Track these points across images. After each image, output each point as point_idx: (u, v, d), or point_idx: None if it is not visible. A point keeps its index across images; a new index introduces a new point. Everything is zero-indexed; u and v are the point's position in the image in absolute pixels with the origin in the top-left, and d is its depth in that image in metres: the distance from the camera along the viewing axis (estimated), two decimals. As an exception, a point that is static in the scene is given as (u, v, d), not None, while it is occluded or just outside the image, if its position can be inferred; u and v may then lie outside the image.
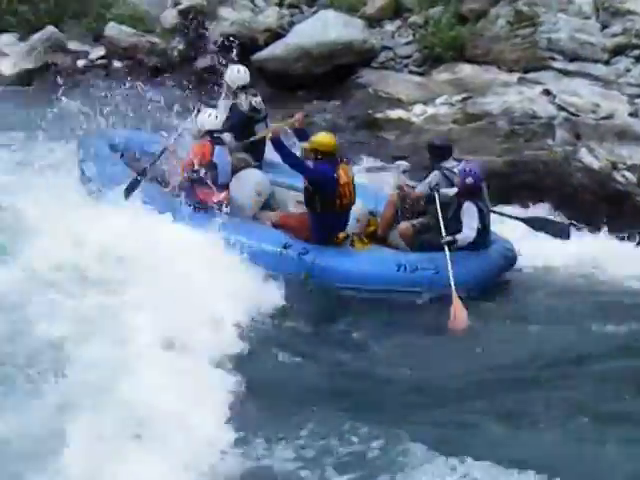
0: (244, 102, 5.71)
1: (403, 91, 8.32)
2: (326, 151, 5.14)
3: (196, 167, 5.14)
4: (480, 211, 5.30)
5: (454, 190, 5.37)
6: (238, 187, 5.38)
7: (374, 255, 5.18)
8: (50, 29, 10.76)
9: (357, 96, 8.62)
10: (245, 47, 9.55)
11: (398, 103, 8.23)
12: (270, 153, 5.36)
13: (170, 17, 10.65)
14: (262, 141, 5.36)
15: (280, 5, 10.09)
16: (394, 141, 7.92)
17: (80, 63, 10.62)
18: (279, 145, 5.03)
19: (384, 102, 8.35)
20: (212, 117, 5.33)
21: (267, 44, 9.43)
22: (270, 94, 9.22)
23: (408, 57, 8.68)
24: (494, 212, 5.62)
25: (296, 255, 4.83)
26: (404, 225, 5.54)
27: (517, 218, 5.82)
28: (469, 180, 5.28)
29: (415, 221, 5.53)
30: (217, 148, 5.31)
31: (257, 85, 9.14)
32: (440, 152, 5.56)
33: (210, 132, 5.32)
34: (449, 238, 5.16)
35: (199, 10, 9.97)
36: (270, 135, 4.94)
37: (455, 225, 5.26)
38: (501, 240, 5.53)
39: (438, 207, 5.26)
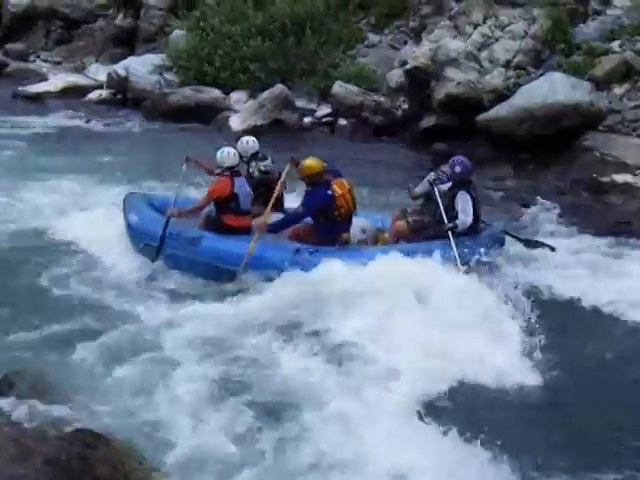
0: (255, 169, 8.12)
1: (630, 155, 10.07)
2: (314, 173, 7.27)
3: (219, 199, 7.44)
4: (472, 198, 7.24)
5: (449, 184, 7.26)
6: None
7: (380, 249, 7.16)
8: (279, 87, 14.11)
9: (582, 159, 10.52)
10: (470, 107, 12.56)
11: (625, 167, 10.02)
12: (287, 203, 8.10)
13: (396, 76, 13.86)
14: (279, 198, 7.70)
15: (506, 66, 12.46)
16: (619, 206, 9.58)
17: (306, 120, 13.99)
18: (274, 229, 7.29)
19: (610, 166, 10.15)
20: (230, 154, 7.64)
21: (492, 105, 11.81)
22: (492, 155, 11.79)
23: (636, 121, 10.58)
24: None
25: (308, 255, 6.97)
26: (399, 223, 7.44)
27: (515, 237, 7.91)
28: (457, 169, 7.23)
29: (409, 218, 7.42)
30: (236, 180, 7.57)
31: (480, 145, 12.01)
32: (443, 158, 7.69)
33: (229, 168, 7.58)
34: (451, 225, 7.03)
35: (425, 70, 13.10)
36: (260, 232, 7.09)
37: (450, 215, 7.10)
38: (492, 226, 7.68)
39: (438, 198, 7.17)
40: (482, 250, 7.06)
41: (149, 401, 5.27)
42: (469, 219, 7.26)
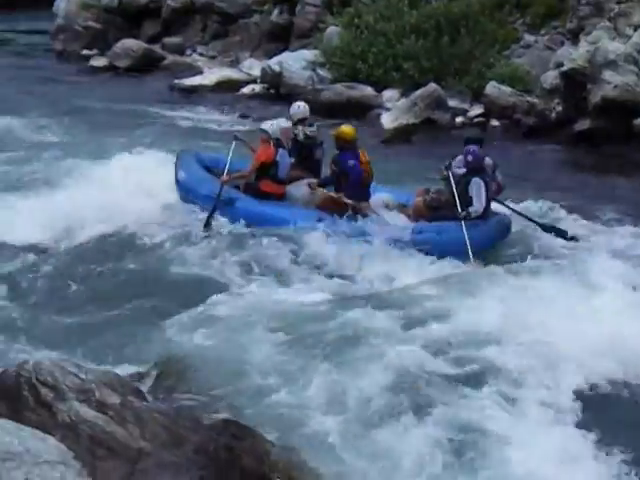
0: (301, 132, 9.84)
1: None
2: (347, 139, 9.33)
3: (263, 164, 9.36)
4: (486, 185, 8.80)
5: (463, 170, 8.88)
6: (295, 188, 9.72)
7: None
8: (432, 86, 15.70)
9: None
10: (627, 111, 13.58)
11: None
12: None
13: (551, 78, 15.04)
14: (318, 163, 9.75)
15: (667, 70, 13.79)
16: None
17: (458, 120, 15.59)
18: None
19: None
20: (301, 107, 9.98)
21: (650, 110, 13.26)
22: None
23: None
24: (513, 210, 9.34)
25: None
26: (418, 200, 9.10)
27: (530, 219, 9.33)
28: (469, 157, 8.87)
29: (427, 196, 9.01)
30: (280, 150, 9.46)
31: (636, 150, 13.00)
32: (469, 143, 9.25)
33: (275, 138, 9.49)
34: (464, 213, 8.64)
35: (581, 72, 14.18)
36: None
37: (465, 199, 8.70)
38: (500, 214, 9.16)
39: (453, 183, 8.77)
40: (488, 238, 8.91)
41: (289, 390, 6.05)
42: (482, 208, 8.89)
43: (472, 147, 9.08)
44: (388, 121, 15.97)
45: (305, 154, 9.91)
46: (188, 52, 21.59)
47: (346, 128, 9.56)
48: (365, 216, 9.12)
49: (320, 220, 9.03)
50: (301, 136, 9.96)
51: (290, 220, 9.07)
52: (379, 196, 9.44)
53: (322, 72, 17.88)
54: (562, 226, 9.62)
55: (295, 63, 18.20)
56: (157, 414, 4.63)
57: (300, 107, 10.21)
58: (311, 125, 10.11)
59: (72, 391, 4.54)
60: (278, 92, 18.12)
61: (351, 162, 9.28)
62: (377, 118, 16.11)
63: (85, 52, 22.16)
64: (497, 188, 9.40)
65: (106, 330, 7.40)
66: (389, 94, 17.00)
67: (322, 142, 9.95)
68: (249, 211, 9.33)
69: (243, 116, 16.89)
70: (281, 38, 20.29)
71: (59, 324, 7.60)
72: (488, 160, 9.28)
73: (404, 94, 16.61)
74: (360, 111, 16.27)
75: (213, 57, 21.23)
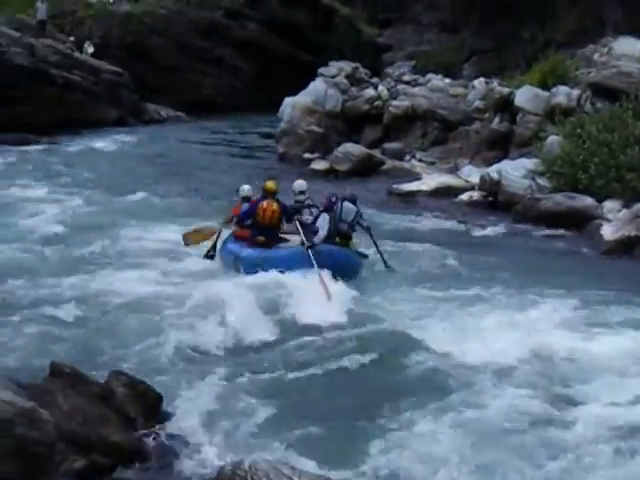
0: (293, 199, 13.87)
1: None
2: (266, 190, 13.22)
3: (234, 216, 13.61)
4: (332, 219, 12.72)
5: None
6: None
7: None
8: None
9: None
10: None
11: None
12: None
13: None
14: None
15: None
16: None
17: None
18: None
19: None
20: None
21: None
22: None
23: None
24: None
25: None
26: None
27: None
28: (323, 199, 13.07)
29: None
30: (243, 205, 13.54)
31: None
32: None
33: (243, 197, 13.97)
34: (309, 243, 12.24)
35: None
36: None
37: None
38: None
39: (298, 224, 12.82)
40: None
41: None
42: (324, 234, 12.61)
43: (331, 193, 13.53)
44: (609, 233, 16.52)
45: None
46: (407, 157, 23.39)
47: (268, 182, 13.72)
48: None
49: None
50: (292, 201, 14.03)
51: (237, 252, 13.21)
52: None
53: (541, 181, 18.91)
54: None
55: (514, 171, 19.35)
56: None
57: (299, 183, 14.55)
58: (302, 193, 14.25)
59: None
60: (496, 200, 19.35)
61: (252, 206, 13.30)
62: (597, 229, 16.74)
63: (307, 155, 24.53)
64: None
65: (324, 432, 8.16)
66: (610, 205, 17.71)
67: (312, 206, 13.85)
68: (226, 249, 13.57)
69: (461, 222, 18.13)
70: (500, 146, 21.67)
71: (279, 421, 8.43)
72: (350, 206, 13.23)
73: (626, 206, 17.32)
74: (580, 221, 17.17)
75: (432, 163, 22.90)
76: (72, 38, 35.05)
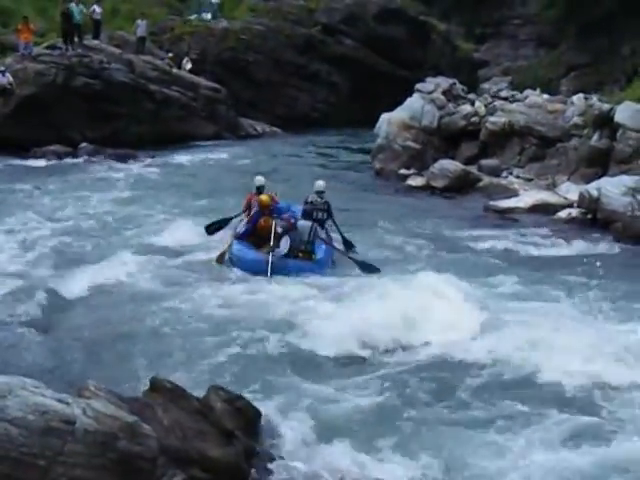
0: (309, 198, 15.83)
1: None
2: (261, 204, 14.95)
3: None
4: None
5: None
6: None
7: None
8: None
9: None
10: None
11: None
12: None
13: None
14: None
15: None
16: None
17: None
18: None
19: None
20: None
21: None
22: None
23: None
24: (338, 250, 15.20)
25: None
26: None
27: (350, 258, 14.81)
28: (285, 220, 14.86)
29: None
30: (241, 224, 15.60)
31: None
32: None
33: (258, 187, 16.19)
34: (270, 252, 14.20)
35: None
36: None
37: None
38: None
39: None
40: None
41: None
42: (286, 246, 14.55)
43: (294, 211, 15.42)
44: None
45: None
46: (504, 174, 23.10)
47: (264, 196, 15.24)
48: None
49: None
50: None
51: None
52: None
53: (642, 199, 18.51)
54: None
55: (614, 189, 18.96)
56: None
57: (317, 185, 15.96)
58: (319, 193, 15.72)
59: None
60: (595, 217, 18.99)
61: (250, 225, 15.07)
62: None
63: (403, 171, 24.44)
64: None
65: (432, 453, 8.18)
66: None
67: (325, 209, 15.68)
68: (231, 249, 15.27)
69: (559, 239, 17.81)
70: (600, 163, 21.22)
71: (376, 439, 8.50)
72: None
73: None
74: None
75: (529, 180, 22.56)
76: (171, 54, 35.68)
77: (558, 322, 11.49)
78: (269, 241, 14.37)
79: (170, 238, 16.21)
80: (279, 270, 13.94)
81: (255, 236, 14.84)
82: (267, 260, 14.01)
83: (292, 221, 14.75)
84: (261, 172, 22.89)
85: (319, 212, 15.73)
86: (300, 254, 14.61)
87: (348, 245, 15.88)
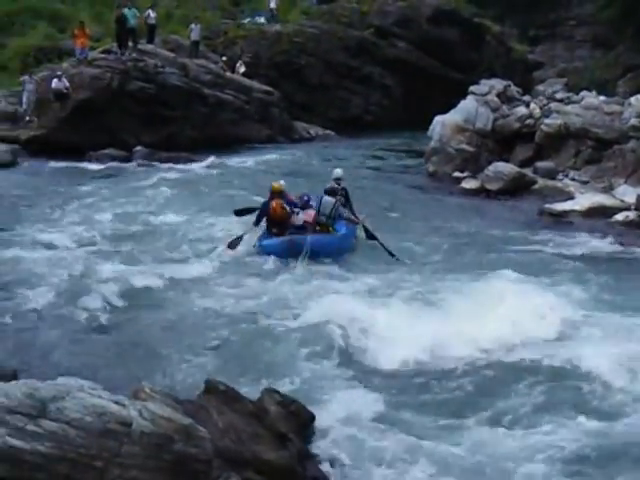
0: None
1: None
2: (272, 191, 15.87)
3: None
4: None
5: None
6: None
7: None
8: None
9: None
10: None
11: None
12: None
13: None
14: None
15: None
16: None
17: None
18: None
19: None
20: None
21: None
22: None
23: None
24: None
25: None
26: None
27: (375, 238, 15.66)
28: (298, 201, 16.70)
29: None
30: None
31: None
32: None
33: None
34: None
35: None
36: None
37: None
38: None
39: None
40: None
41: None
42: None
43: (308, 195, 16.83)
44: None
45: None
46: (559, 177, 22.84)
47: (275, 183, 16.24)
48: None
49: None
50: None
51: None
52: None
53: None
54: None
55: (670, 191, 18.72)
56: None
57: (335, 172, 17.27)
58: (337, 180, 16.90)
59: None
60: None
61: (265, 204, 15.85)
62: None
63: (456, 174, 24.27)
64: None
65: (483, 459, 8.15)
66: None
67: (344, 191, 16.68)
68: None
69: (616, 242, 17.54)
70: (658, 165, 20.90)
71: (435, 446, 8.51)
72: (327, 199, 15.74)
73: None
74: None
75: (585, 182, 22.27)
76: (224, 58, 35.92)
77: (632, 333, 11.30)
78: (283, 222, 15.53)
79: (222, 237, 16.48)
80: (295, 247, 14.56)
81: (272, 223, 15.68)
82: (281, 242, 14.93)
83: (305, 198, 16.23)
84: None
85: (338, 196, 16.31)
86: (319, 227, 15.52)
87: (369, 235, 16.06)
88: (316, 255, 14.62)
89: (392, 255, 15.24)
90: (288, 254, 14.63)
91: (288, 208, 15.91)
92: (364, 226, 16.13)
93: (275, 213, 15.58)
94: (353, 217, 16.26)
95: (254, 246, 15.47)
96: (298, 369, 10.07)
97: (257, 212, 15.95)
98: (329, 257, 14.91)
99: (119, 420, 6.36)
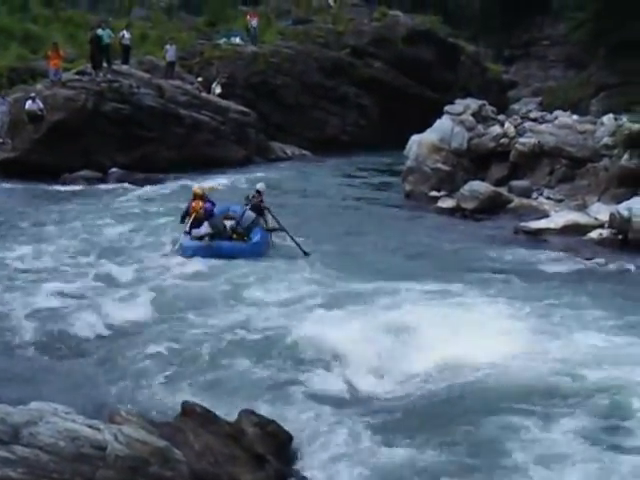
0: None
1: None
2: (194, 194, 18.04)
3: None
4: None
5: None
6: None
7: None
8: None
9: None
10: None
11: None
12: None
13: None
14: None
15: None
16: None
17: None
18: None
19: None
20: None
21: None
22: None
23: None
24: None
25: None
26: None
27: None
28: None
29: None
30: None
31: None
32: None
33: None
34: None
35: None
36: None
37: None
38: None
39: None
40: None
41: None
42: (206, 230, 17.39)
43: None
44: None
45: None
46: (534, 195, 22.97)
47: (195, 187, 18.76)
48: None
49: None
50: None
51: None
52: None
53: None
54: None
55: (645, 209, 18.81)
56: None
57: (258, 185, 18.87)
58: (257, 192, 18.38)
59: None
60: (627, 238, 18.80)
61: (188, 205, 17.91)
62: None
63: (433, 193, 24.34)
64: None
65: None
66: None
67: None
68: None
69: (590, 260, 17.64)
70: (630, 183, 21.01)
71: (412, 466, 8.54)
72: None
73: None
74: None
75: (560, 200, 22.44)
76: (200, 79, 35.94)
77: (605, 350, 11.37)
78: (201, 221, 17.46)
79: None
80: (212, 251, 16.76)
81: (193, 220, 17.63)
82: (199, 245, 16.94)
83: (208, 207, 17.79)
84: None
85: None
86: (235, 236, 17.59)
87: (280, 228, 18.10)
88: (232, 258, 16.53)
89: (306, 254, 17.19)
90: (205, 257, 16.54)
91: (204, 209, 17.74)
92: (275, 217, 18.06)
93: (194, 212, 17.69)
94: (278, 226, 18.09)
95: (176, 246, 17.30)
96: (275, 390, 10.06)
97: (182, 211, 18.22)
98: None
99: (93, 444, 6.32)
